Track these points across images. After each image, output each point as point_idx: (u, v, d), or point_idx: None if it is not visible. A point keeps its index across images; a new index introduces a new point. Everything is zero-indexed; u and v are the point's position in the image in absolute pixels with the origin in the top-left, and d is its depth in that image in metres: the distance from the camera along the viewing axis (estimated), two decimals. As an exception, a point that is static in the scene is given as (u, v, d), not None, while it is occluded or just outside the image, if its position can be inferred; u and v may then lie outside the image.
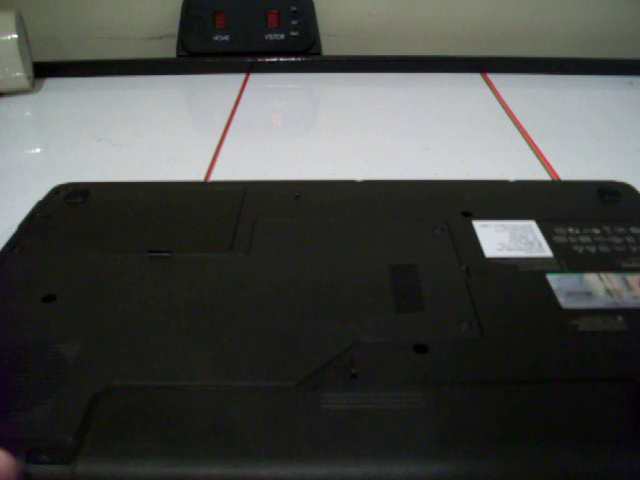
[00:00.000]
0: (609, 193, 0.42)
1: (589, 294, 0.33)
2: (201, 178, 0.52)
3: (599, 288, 0.33)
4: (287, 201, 0.41)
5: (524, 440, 0.25)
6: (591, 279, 0.34)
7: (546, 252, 0.36)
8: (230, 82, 0.72)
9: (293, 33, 0.74)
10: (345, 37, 0.78)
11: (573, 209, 0.40)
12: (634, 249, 0.36)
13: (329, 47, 0.78)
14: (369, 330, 0.30)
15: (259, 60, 0.74)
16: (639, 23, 0.76)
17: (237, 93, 0.69)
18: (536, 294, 0.33)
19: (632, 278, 0.34)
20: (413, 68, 0.74)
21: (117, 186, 0.44)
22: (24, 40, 0.68)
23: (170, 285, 0.34)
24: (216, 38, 0.74)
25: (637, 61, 0.74)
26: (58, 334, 0.30)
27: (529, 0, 0.75)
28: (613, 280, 0.34)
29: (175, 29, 0.75)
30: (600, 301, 0.32)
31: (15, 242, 0.37)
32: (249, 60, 0.74)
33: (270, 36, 0.74)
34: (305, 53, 0.74)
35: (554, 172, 0.52)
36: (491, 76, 0.73)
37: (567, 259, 0.35)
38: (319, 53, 0.76)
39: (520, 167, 0.53)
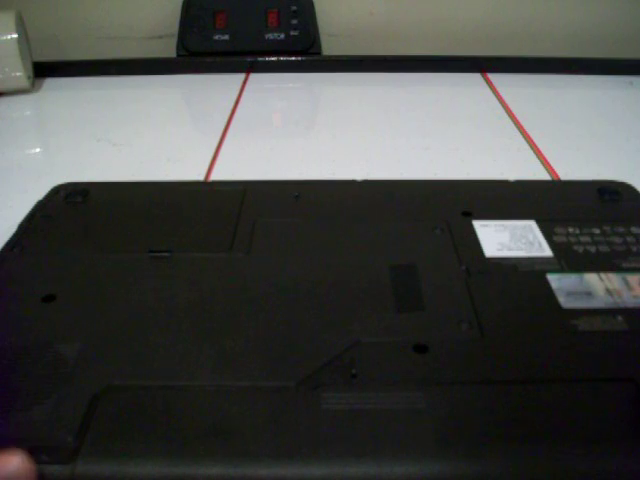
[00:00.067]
0: (609, 193, 0.42)
1: (589, 294, 0.33)
2: (201, 178, 0.52)
3: (599, 288, 0.33)
4: (287, 201, 0.41)
5: (524, 440, 0.25)
6: (591, 279, 0.34)
7: (546, 252, 0.36)
8: (230, 82, 0.72)
9: (293, 33, 0.74)
10: (345, 37, 0.78)
11: (573, 209, 0.40)
12: (634, 249, 0.36)
13: (329, 47, 0.78)
14: (369, 330, 0.30)
15: (259, 60, 0.74)
16: (639, 23, 0.76)
17: (237, 93, 0.69)
18: (536, 294, 0.33)
19: (632, 278, 0.34)
20: (413, 68, 0.74)
21: (117, 186, 0.44)
22: (24, 40, 0.68)
23: (170, 285, 0.34)
24: (216, 38, 0.74)
25: (637, 61, 0.74)
26: (58, 334, 0.30)
27: (529, 0, 0.75)
28: (613, 280, 0.34)
29: (175, 29, 0.75)
30: (600, 301, 0.32)
31: (15, 242, 0.37)
32: (249, 60, 0.74)
33: (270, 36, 0.74)
34: (305, 53, 0.74)
35: (554, 172, 0.52)
36: (491, 76, 0.73)
37: (567, 259, 0.35)
38: (319, 53, 0.76)
39: (520, 167, 0.53)
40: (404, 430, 0.25)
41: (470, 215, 0.39)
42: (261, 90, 0.71)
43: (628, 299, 0.32)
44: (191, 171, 0.52)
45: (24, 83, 0.68)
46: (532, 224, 0.38)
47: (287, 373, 0.28)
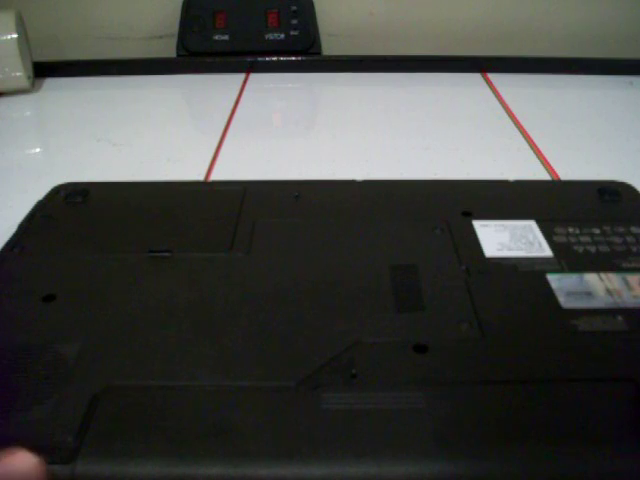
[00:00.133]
0: (609, 193, 0.42)
1: (589, 294, 0.33)
2: (201, 178, 0.52)
3: (599, 288, 0.33)
4: (287, 201, 0.41)
5: (524, 440, 0.25)
6: (591, 279, 0.34)
7: (546, 252, 0.36)
8: (230, 82, 0.72)
9: (293, 33, 0.74)
10: (345, 37, 0.78)
11: (573, 209, 0.40)
12: (634, 249, 0.36)
13: (329, 47, 0.78)
14: (369, 330, 0.30)
15: (259, 60, 0.74)
16: (639, 23, 0.76)
17: (237, 93, 0.69)
18: (536, 294, 0.33)
19: (632, 278, 0.34)
20: (413, 68, 0.74)
21: (117, 186, 0.44)
22: (24, 40, 0.68)
23: (170, 285, 0.34)
24: (216, 38, 0.74)
25: (637, 61, 0.74)
26: (58, 334, 0.30)
27: (529, 0, 0.75)
28: (613, 280, 0.34)
29: (175, 29, 0.75)
30: (600, 301, 0.32)
31: (15, 242, 0.37)
32: (249, 60, 0.74)
33: (270, 36, 0.74)
34: (305, 53, 0.74)
35: (554, 172, 0.52)
36: (491, 76, 0.73)
37: (567, 259, 0.35)
38: (319, 53, 0.76)
39: (520, 167, 0.53)
40: (404, 430, 0.25)
41: (470, 215, 0.39)
42: (261, 90, 0.71)
43: (628, 299, 0.32)
44: (191, 171, 0.52)
45: (24, 83, 0.68)
46: (532, 224, 0.38)
47: (287, 373, 0.28)
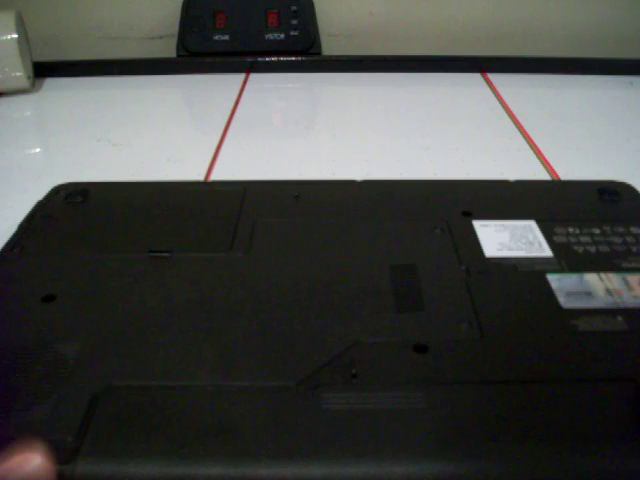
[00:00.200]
0: (609, 193, 0.42)
1: (589, 294, 0.33)
2: (201, 178, 0.52)
3: (599, 288, 0.33)
4: (287, 201, 0.41)
5: (524, 440, 0.25)
6: (591, 279, 0.34)
7: (546, 252, 0.36)
8: (230, 82, 0.72)
9: (293, 33, 0.74)
10: (345, 37, 0.78)
11: (573, 209, 0.40)
12: (634, 249, 0.36)
13: (329, 47, 0.78)
14: (369, 330, 0.30)
15: (259, 60, 0.74)
16: (639, 23, 0.76)
17: (237, 93, 0.69)
18: (536, 294, 0.33)
19: (632, 278, 0.34)
20: (413, 68, 0.74)
21: (117, 186, 0.44)
22: (24, 40, 0.68)
23: (170, 285, 0.34)
24: (216, 38, 0.74)
25: (637, 61, 0.74)
26: (58, 334, 0.30)
27: (529, 0, 0.75)
28: (613, 280, 0.34)
29: (175, 29, 0.75)
30: (600, 301, 0.32)
31: (15, 242, 0.37)
32: (249, 60, 0.74)
33: (270, 36, 0.74)
34: (305, 53, 0.74)
35: (554, 172, 0.52)
36: (491, 76, 0.73)
37: (567, 259, 0.35)
38: (319, 53, 0.76)
39: (520, 167, 0.53)
40: (404, 430, 0.25)
41: (470, 215, 0.39)
42: (261, 90, 0.71)
43: (628, 299, 0.32)
44: (191, 171, 0.52)
45: (24, 83, 0.68)
46: (532, 224, 0.38)
47: (287, 373, 0.28)
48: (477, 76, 0.73)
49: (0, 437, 0.25)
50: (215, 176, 0.52)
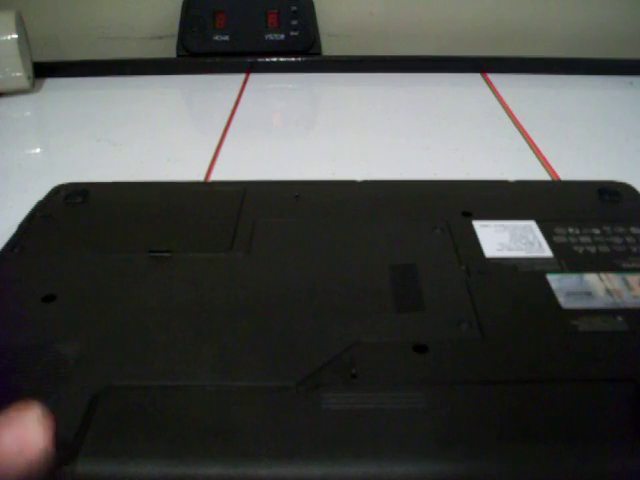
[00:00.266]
0: (609, 193, 0.42)
1: (589, 294, 0.33)
2: (201, 178, 0.52)
3: (599, 288, 0.33)
4: (287, 201, 0.41)
5: (524, 440, 0.25)
6: (591, 279, 0.34)
7: (546, 252, 0.36)
8: (230, 82, 0.72)
9: (293, 33, 0.74)
10: (345, 37, 0.78)
11: (573, 209, 0.40)
12: (634, 249, 0.36)
13: (329, 47, 0.78)
14: (369, 330, 0.30)
15: (259, 60, 0.74)
16: (639, 23, 0.76)
17: (237, 93, 0.69)
18: (536, 294, 0.33)
19: (632, 278, 0.34)
20: (413, 68, 0.74)
21: (117, 186, 0.44)
22: (24, 40, 0.68)
23: (170, 285, 0.34)
24: (216, 38, 0.74)
25: (637, 61, 0.74)
26: (58, 334, 0.30)
27: (529, 0, 0.75)
28: (613, 280, 0.34)
29: (175, 29, 0.75)
30: (600, 301, 0.32)
31: (15, 242, 0.37)
32: (249, 60, 0.74)
33: (270, 36, 0.74)
34: (305, 53, 0.74)
35: (554, 172, 0.52)
36: (491, 76, 0.73)
37: (567, 259, 0.35)
38: (319, 53, 0.76)
39: (520, 167, 0.53)
40: (404, 430, 0.25)
41: (470, 215, 0.39)
42: (261, 90, 0.71)
43: (628, 299, 0.32)
44: (191, 171, 0.52)
45: (24, 83, 0.68)
46: (532, 224, 0.38)
47: (287, 373, 0.28)
48: (477, 76, 0.73)
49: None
50: (215, 176, 0.52)
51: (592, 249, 0.36)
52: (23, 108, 0.67)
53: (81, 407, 0.26)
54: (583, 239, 0.37)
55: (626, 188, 0.43)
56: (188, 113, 0.69)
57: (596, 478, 0.24)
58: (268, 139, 0.60)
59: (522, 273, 0.34)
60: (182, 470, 0.24)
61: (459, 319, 0.31)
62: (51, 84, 0.72)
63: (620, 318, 0.31)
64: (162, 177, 0.51)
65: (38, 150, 0.61)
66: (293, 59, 0.74)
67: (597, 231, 0.38)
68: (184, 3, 0.75)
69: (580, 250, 0.36)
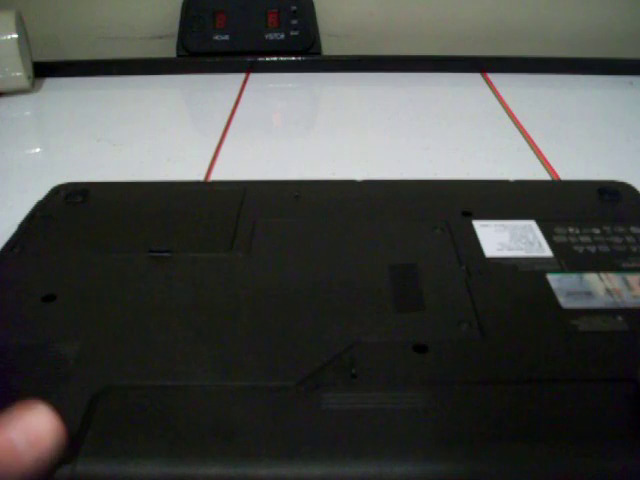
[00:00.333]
0: (609, 193, 0.42)
1: (589, 294, 0.33)
2: (201, 178, 0.52)
3: (599, 288, 0.33)
4: (287, 201, 0.41)
5: (524, 440, 0.25)
6: (591, 279, 0.34)
7: (546, 252, 0.36)
8: (230, 82, 0.72)
9: (293, 33, 0.74)
10: (345, 37, 0.78)
11: (573, 209, 0.40)
12: (634, 249, 0.36)
13: (329, 47, 0.78)
14: (369, 330, 0.30)
15: (259, 60, 0.74)
16: (639, 23, 0.76)
17: (237, 93, 0.69)
18: (536, 294, 0.33)
19: (632, 278, 0.34)
20: (413, 68, 0.74)
21: (117, 186, 0.44)
22: (24, 40, 0.68)
23: (170, 285, 0.34)
24: (216, 38, 0.74)
25: (637, 61, 0.74)
26: (58, 334, 0.30)
27: (529, 0, 0.75)
28: (613, 280, 0.34)
29: (175, 29, 0.75)
30: (600, 301, 0.32)
31: (15, 242, 0.37)
32: (249, 60, 0.74)
33: (270, 36, 0.74)
34: (305, 53, 0.74)
35: (554, 172, 0.52)
36: (491, 76, 0.73)
37: (567, 259, 0.35)
38: (319, 53, 0.76)
39: (520, 167, 0.53)
40: (404, 430, 0.25)
41: (470, 215, 0.39)
42: (261, 90, 0.71)
43: (628, 299, 0.32)
44: (191, 171, 0.52)
45: (24, 83, 0.68)
46: (532, 224, 0.38)
47: (287, 373, 0.28)
48: (477, 76, 0.73)
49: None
50: (215, 176, 0.52)
51: (592, 249, 0.36)
52: (23, 108, 0.67)
53: (81, 407, 0.26)
54: (583, 239, 0.37)
55: (626, 188, 0.43)
56: (188, 113, 0.69)
57: (596, 478, 0.24)
58: (268, 139, 0.60)
59: (522, 273, 0.34)
60: (182, 470, 0.24)
61: (459, 319, 0.31)
62: (51, 84, 0.72)
63: (620, 318, 0.31)
64: (162, 177, 0.51)
65: (38, 150, 0.61)
66: (293, 59, 0.74)
67: (597, 231, 0.38)
68: (184, 3, 0.75)
69: (580, 250, 0.36)
